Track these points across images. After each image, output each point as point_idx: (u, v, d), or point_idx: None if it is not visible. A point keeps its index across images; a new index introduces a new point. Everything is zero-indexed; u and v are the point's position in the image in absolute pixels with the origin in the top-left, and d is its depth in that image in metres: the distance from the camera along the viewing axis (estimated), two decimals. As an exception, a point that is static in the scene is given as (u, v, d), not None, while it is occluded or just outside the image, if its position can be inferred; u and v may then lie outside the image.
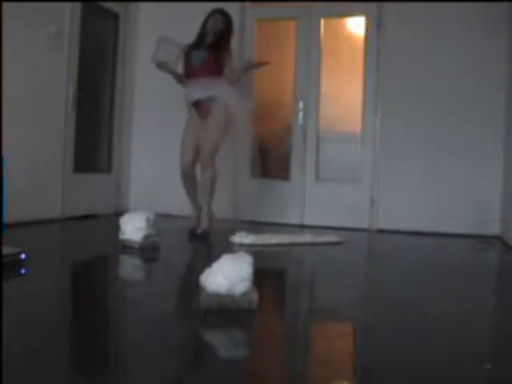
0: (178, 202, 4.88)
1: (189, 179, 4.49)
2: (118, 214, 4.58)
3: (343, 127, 5.70)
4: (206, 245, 4.36)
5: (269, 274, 3.40)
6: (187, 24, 5.66)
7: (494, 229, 4.99)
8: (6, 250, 2.89)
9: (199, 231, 4.42)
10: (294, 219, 5.56)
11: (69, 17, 4.97)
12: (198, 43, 4.38)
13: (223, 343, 2.10)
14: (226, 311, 2.26)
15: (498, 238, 4.90)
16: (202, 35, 4.38)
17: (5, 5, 4.06)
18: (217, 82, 4.30)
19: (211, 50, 4.31)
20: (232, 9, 5.64)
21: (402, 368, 1.78)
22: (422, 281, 3.25)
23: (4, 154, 3.46)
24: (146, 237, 3.72)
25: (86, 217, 5.26)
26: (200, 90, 4.30)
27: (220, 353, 1.99)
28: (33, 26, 4.57)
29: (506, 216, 4.78)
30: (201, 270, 2.36)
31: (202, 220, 4.48)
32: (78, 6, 5.08)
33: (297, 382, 1.70)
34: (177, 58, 4.30)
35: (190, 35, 5.42)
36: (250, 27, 5.74)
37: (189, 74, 4.35)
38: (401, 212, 5.27)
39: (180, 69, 4.43)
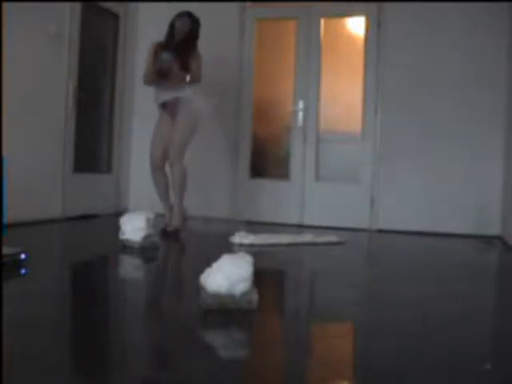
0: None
1: (159, 176, 4.54)
2: (118, 213, 4.59)
3: (343, 127, 5.70)
4: (206, 245, 4.36)
5: (269, 274, 3.40)
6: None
7: (494, 229, 5.00)
8: (6, 250, 2.89)
9: (169, 229, 4.44)
10: (293, 219, 5.56)
11: (69, 17, 4.97)
12: (167, 43, 4.43)
13: (223, 343, 2.10)
14: (226, 311, 2.26)
15: (498, 238, 4.90)
16: (171, 35, 4.44)
17: (5, 5, 4.06)
18: (183, 84, 4.40)
19: (178, 52, 4.37)
20: (232, 9, 5.68)
21: (402, 368, 1.78)
22: (421, 281, 3.25)
23: (4, 154, 3.46)
24: (146, 237, 3.72)
25: (85, 217, 5.26)
26: (167, 91, 4.41)
27: (220, 353, 1.99)
28: (33, 25, 4.57)
29: (506, 216, 4.78)
30: (201, 270, 2.36)
31: (173, 218, 4.50)
32: (77, 5, 5.09)
33: (297, 382, 1.70)
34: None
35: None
36: (250, 27, 5.74)
37: (158, 76, 4.40)
38: (401, 212, 5.27)
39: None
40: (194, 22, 4.44)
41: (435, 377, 1.71)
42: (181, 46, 4.39)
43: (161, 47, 4.42)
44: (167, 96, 4.42)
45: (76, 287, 2.95)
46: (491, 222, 5.03)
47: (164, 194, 4.60)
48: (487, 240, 4.86)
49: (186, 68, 4.39)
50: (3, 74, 4.13)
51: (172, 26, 4.45)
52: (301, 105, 5.60)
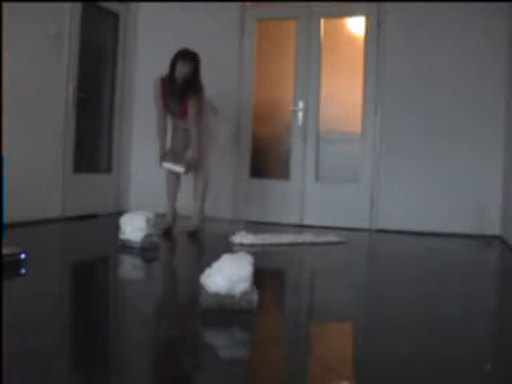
0: (178, 203, 4.88)
1: (173, 173, 4.56)
2: (118, 213, 4.59)
3: (343, 127, 5.70)
4: (206, 245, 4.36)
5: (269, 273, 3.40)
6: (187, 24, 5.67)
7: (494, 229, 5.00)
8: (6, 250, 2.89)
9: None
10: (293, 219, 5.56)
11: (69, 17, 4.97)
12: (171, 87, 4.36)
13: (223, 343, 2.10)
14: (226, 311, 2.26)
15: (498, 237, 4.90)
16: (173, 78, 4.33)
17: (5, 5, 4.06)
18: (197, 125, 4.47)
19: (182, 100, 4.34)
20: (232, 9, 5.68)
21: (402, 368, 1.78)
22: (422, 281, 3.25)
23: (4, 154, 3.46)
24: (146, 237, 3.72)
25: (85, 217, 5.26)
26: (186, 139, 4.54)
27: (220, 353, 1.99)
28: (33, 25, 4.57)
29: (505, 216, 4.78)
30: (201, 270, 2.36)
31: (194, 219, 4.53)
32: (77, 6, 5.08)
33: (297, 382, 1.70)
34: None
35: (189, 35, 5.43)
36: (250, 27, 5.74)
37: (171, 119, 4.54)
38: (401, 212, 5.27)
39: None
40: (193, 63, 4.29)
41: (435, 377, 1.71)
42: (184, 93, 4.33)
43: (167, 89, 4.35)
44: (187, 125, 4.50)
45: (76, 287, 2.95)
46: (491, 221, 5.03)
47: (172, 194, 4.61)
48: (487, 240, 4.86)
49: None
50: (3, 74, 4.13)
51: (173, 69, 4.31)
52: (301, 105, 5.59)
